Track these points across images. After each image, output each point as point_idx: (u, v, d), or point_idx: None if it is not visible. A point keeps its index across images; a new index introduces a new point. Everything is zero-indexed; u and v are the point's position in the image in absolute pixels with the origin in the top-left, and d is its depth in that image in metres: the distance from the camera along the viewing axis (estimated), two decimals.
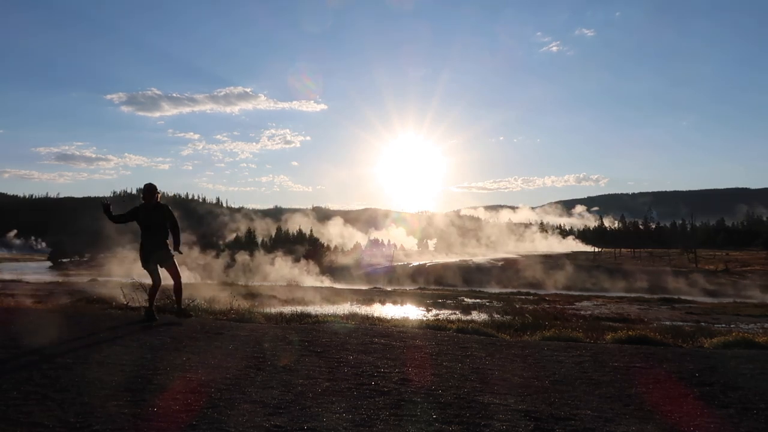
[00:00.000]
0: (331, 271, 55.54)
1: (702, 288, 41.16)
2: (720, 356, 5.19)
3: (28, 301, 13.07)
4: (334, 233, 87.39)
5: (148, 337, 5.56)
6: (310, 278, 46.63)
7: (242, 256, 51.70)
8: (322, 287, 33.54)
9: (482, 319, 13.55)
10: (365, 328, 6.67)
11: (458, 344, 5.54)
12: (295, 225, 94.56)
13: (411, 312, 16.63)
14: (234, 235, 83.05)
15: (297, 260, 53.21)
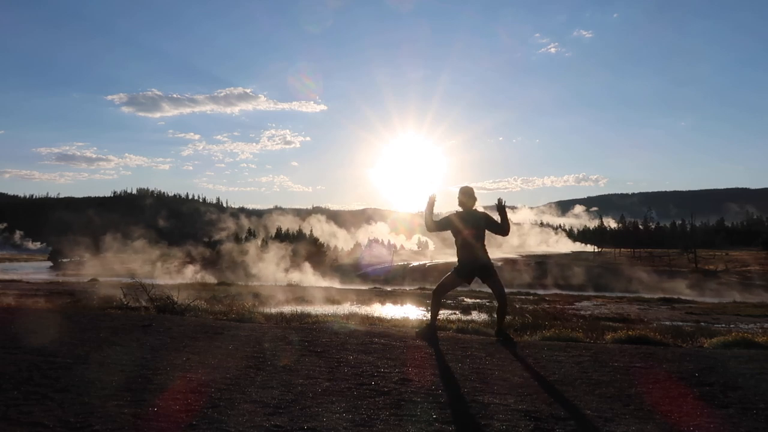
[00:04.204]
0: (331, 270, 55.52)
1: (702, 288, 41.17)
2: (720, 356, 5.19)
3: (28, 301, 13.07)
4: (316, 232, 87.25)
5: (148, 337, 5.56)
6: (308, 278, 46.60)
7: (240, 256, 51.73)
8: (321, 287, 33.51)
9: (482, 319, 13.55)
10: (365, 328, 6.67)
11: (458, 344, 5.54)
12: (274, 224, 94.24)
13: (411, 312, 16.62)
14: (223, 234, 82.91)
15: (296, 260, 53.19)
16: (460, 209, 6.12)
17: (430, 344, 5.49)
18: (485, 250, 6.08)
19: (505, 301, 6.10)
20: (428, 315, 14.09)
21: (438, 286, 6.18)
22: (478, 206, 6.20)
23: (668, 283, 43.22)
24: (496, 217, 6.10)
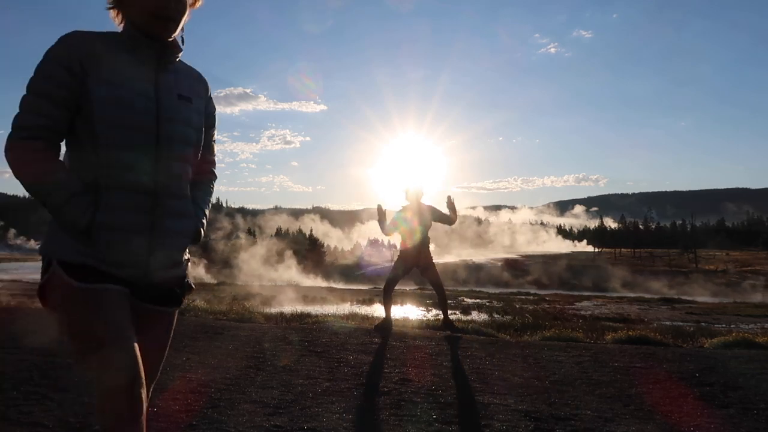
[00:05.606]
0: (331, 271, 55.51)
1: (702, 288, 41.21)
2: (720, 356, 5.19)
3: (28, 301, 13.06)
4: (308, 231, 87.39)
5: None
6: (307, 278, 46.59)
7: (239, 256, 51.69)
8: (321, 287, 33.51)
9: (482, 319, 13.56)
10: (365, 328, 6.67)
11: (458, 344, 5.54)
12: (268, 224, 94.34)
13: (411, 312, 16.62)
14: (219, 233, 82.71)
15: (294, 260, 53.20)
16: (406, 204, 6.62)
17: (388, 339, 5.59)
18: (427, 242, 6.54)
19: (444, 292, 6.56)
20: (427, 314, 14.10)
21: (387, 283, 6.63)
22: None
23: (668, 283, 43.24)
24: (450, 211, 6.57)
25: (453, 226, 6.72)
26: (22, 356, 4.51)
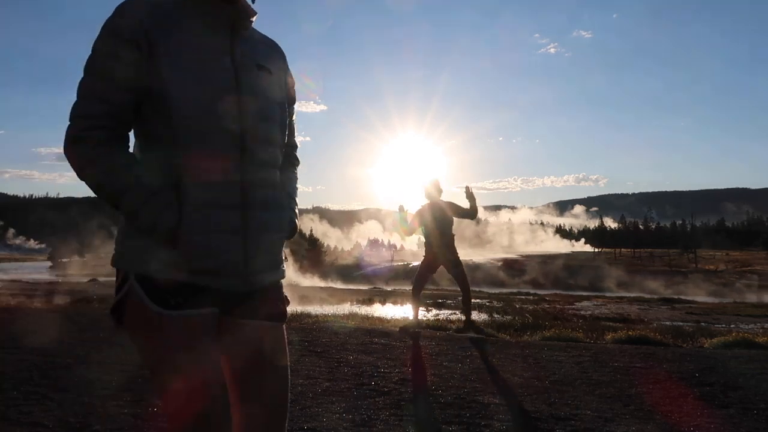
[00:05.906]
0: (330, 270, 55.52)
1: (702, 288, 41.22)
2: (720, 356, 5.19)
3: (27, 301, 13.07)
4: (307, 231, 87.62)
5: None
6: (308, 278, 46.60)
7: None
8: (321, 287, 33.49)
9: (482, 319, 13.54)
10: (365, 328, 6.67)
11: (458, 344, 5.54)
12: None
13: (411, 312, 16.64)
14: None
15: (294, 260, 53.17)
16: (426, 201, 6.52)
17: (417, 340, 5.52)
18: (453, 240, 6.42)
19: (469, 292, 6.50)
20: (427, 314, 14.19)
21: (414, 285, 6.63)
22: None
23: (668, 283, 43.32)
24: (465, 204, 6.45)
25: (473, 219, 6.59)
26: (22, 356, 4.50)
